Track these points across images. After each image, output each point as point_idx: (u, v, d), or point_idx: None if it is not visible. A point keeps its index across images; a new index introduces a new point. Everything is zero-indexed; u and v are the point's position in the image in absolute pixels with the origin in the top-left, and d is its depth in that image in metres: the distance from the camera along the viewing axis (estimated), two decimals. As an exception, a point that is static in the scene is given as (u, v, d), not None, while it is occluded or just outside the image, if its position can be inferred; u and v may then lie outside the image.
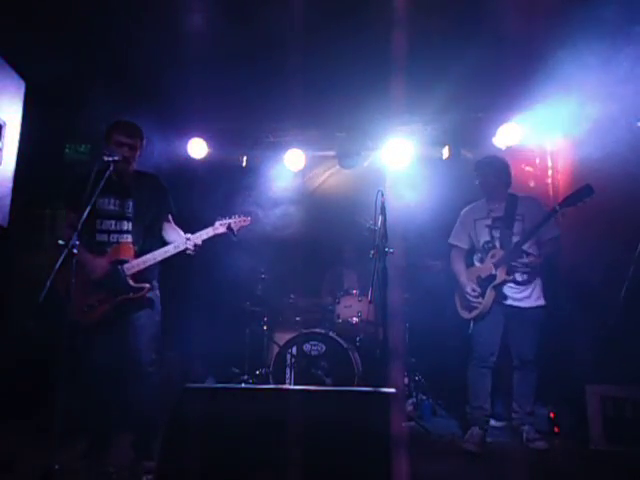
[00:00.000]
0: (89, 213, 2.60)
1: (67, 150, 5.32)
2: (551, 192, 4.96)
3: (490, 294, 3.35)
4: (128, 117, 3.14)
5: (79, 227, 2.46)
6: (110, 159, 2.72)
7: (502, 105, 4.79)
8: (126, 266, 2.84)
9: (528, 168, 5.06)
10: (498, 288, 3.35)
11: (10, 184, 3.28)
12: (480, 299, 3.41)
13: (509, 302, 3.36)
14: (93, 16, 3.81)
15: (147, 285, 2.88)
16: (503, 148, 4.87)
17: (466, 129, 5.01)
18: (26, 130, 3.38)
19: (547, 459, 3.05)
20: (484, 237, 3.49)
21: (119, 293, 2.82)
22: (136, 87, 4.70)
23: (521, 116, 4.67)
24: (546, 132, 4.76)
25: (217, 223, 3.05)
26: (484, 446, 3.17)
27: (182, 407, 1.81)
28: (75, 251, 2.40)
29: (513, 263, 3.31)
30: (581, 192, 3.12)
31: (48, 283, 2.29)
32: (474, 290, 3.41)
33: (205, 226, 3.03)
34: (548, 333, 3.95)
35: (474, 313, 3.43)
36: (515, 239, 3.35)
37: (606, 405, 3.05)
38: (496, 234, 3.45)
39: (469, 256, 3.65)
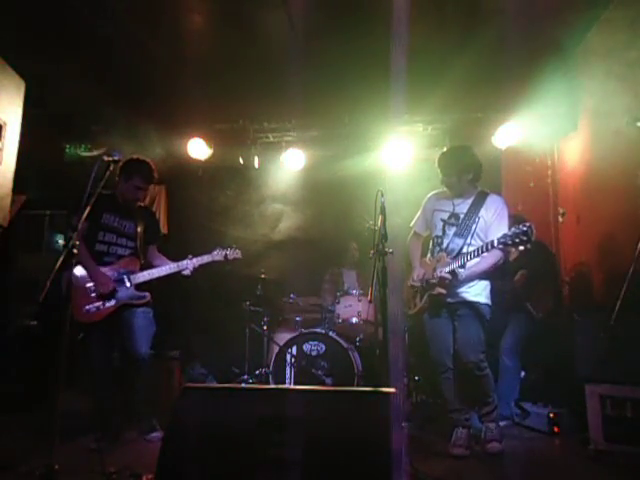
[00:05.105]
0: (92, 224, 3.14)
1: (67, 150, 5.33)
2: (551, 192, 4.96)
3: (426, 299, 3.19)
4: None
5: (79, 227, 2.47)
6: (110, 159, 2.72)
7: (502, 105, 4.80)
8: (133, 276, 3.27)
9: (528, 168, 5.06)
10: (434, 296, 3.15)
11: (10, 184, 3.28)
12: (418, 299, 3.27)
13: (448, 299, 3.12)
14: (93, 17, 3.81)
15: (148, 294, 3.31)
16: (503, 148, 4.88)
17: (466, 129, 5.01)
18: (26, 130, 3.38)
19: (547, 459, 3.05)
20: (437, 230, 3.25)
21: (123, 299, 3.22)
22: (137, 87, 4.70)
23: (521, 116, 4.68)
24: (546, 132, 4.76)
25: (215, 251, 3.52)
26: (472, 446, 3.08)
27: (182, 407, 1.81)
28: (75, 251, 2.40)
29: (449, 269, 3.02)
30: (519, 235, 2.74)
31: (48, 283, 2.30)
32: (418, 277, 3.22)
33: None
34: (548, 333, 3.97)
35: (414, 310, 3.32)
36: (468, 244, 3.08)
37: (606, 405, 3.04)
38: (449, 231, 3.18)
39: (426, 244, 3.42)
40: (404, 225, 3.56)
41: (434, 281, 3.10)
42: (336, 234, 5.24)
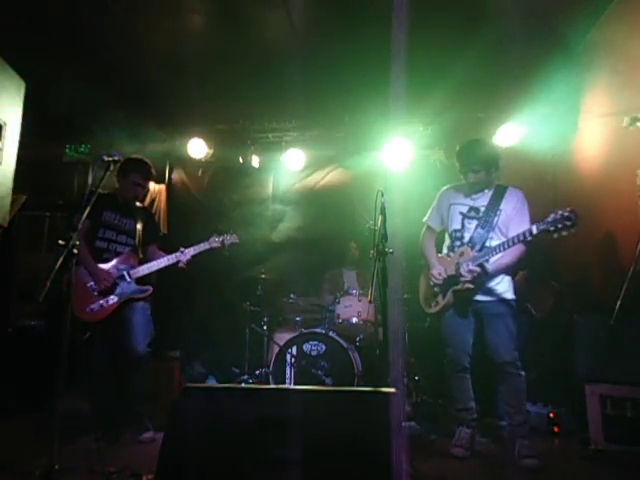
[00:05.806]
0: (93, 222, 3.22)
1: (67, 150, 5.33)
2: (551, 192, 4.95)
3: (451, 296, 3.11)
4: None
5: (79, 226, 2.48)
6: (110, 159, 2.73)
7: (503, 105, 4.80)
8: (132, 271, 3.30)
9: (528, 168, 5.05)
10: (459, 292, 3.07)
11: (10, 184, 3.28)
12: (440, 297, 3.18)
13: (477, 297, 3.06)
14: (93, 17, 3.81)
15: (150, 288, 3.33)
16: (503, 148, 4.88)
17: (466, 129, 5.01)
18: (26, 130, 3.38)
19: (547, 459, 3.05)
20: (455, 224, 3.18)
21: (126, 294, 3.25)
22: (137, 87, 4.70)
23: (522, 116, 4.67)
24: (546, 131, 4.76)
25: (212, 238, 3.57)
26: (473, 447, 3.08)
27: (182, 407, 1.81)
28: (75, 251, 2.41)
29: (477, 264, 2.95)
30: (562, 221, 2.67)
31: (48, 283, 2.30)
32: (440, 274, 3.12)
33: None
34: (548, 333, 3.97)
35: (436, 308, 3.22)
36: (490, 237, 3.04)
37: (606, 404, 3.05)
38: (469, 225, 3.12)
39: (441, 239, 3.37)
40: (404, 225, 3.55)
41: (464, 277, 2.99)
42: (336, 234, 5.24)
